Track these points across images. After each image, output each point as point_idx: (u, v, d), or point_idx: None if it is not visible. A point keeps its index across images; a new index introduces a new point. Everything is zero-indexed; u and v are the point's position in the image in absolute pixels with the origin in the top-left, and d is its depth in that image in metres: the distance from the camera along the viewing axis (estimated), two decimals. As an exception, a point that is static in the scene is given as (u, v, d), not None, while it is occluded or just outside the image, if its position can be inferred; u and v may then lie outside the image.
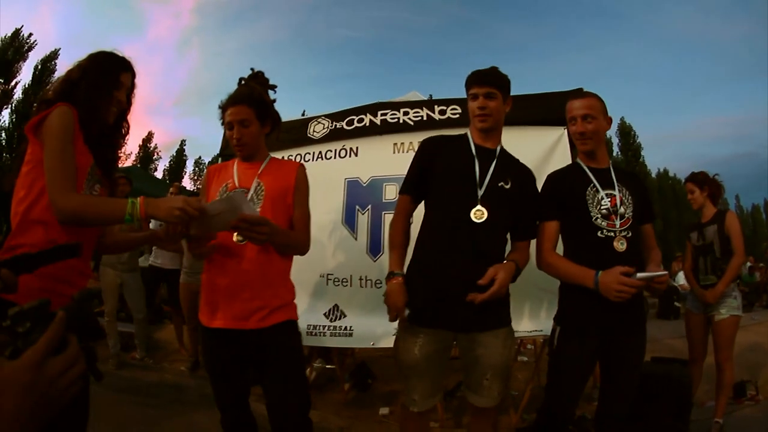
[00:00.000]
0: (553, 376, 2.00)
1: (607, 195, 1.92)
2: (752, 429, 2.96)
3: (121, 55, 1.66)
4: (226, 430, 1.94)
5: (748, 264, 11.72)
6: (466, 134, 1.99)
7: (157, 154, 36.64)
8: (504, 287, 1.77)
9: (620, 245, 1.86)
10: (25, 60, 27.10)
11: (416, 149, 2.01)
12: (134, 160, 33.23)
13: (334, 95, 74.53)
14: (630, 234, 1.89)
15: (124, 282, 4.36)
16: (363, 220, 3.18)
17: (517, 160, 2.02)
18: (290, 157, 3.49)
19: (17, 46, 26.80)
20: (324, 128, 3.44)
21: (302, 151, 3.48)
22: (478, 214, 1.81)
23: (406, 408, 1.93)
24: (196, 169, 38.35)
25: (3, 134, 25.72)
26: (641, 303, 2.02)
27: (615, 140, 34.78)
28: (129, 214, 1.41)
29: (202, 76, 73.15)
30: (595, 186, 1.94)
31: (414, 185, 1.97)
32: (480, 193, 1.83)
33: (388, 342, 2.99)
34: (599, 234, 1.88)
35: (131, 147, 35.84)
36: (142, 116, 63.70)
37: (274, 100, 2.00)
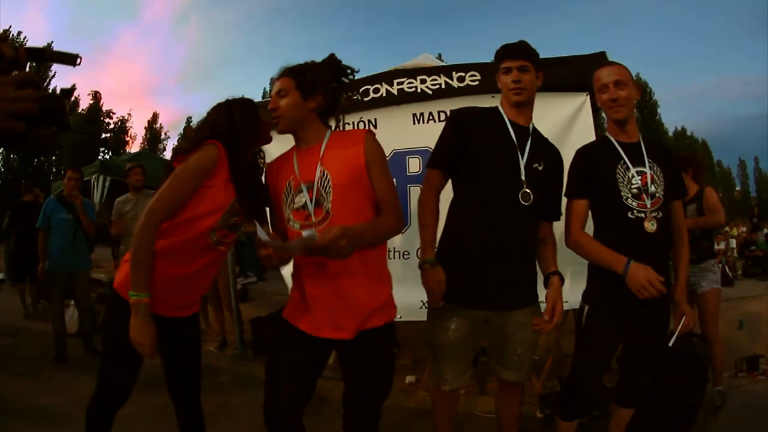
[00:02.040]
0: (580, 354, 2.01)
1: (638, 173, 1.87)
2: (764, 403, 2.96)
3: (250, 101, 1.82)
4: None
5: (765, 230, 11.46)
6: (497, 108, 1.93)
7: (165, 134, 36.93)
8: (562, 312, 1.87)
9: (651, 226, 1.83)
10: None
11: (443, 120, 1.95)
12: (141, 143, 33.44)
13: (341, 58, 72.42)
14: (660, 214, 1.86)
15: None
16: (388, 193, 3.16)
17: (545, 138, 1.98)
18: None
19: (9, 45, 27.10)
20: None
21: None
22: (525, 196, 1.80)
23: (437, 386, 1.97)
24: None
25: None
26: (668, 285, 1.97)
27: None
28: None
29: (203, 51, 72.70)
30: (625, 163, 1.89)
31: (447, 160, 1.90)
32: (523, 175, 1.82)
33: (415, 315, 3.04)
34: (630, 215, 1.85)
35: (137, 129, 36.16)
36: (146, 98, 63.97)
37: (348, 81, 1.78)
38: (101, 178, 6.95)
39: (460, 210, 1.91)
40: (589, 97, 2.89)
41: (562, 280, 1.89)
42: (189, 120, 38.89)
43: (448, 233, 1.92)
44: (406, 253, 3.15)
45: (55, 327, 4.09)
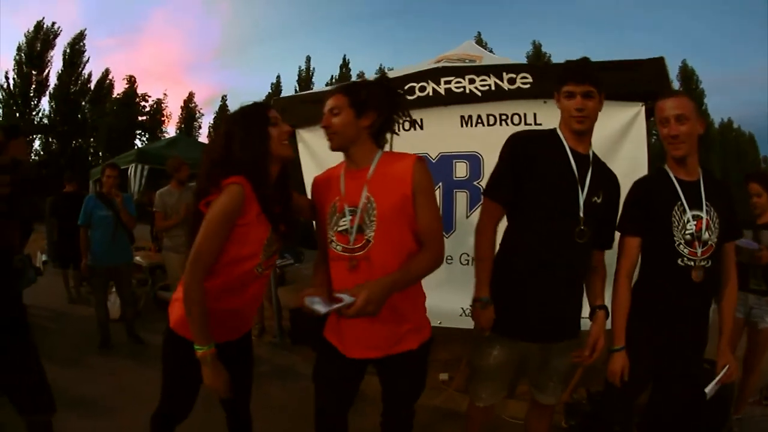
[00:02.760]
0: (608, 388, 1.98)
1: (693, 217, 1.80)
2: None
3: (259, 106, 1.71)
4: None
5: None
6: (556, 132, 1.85)
7: (199, 112, 37.22)
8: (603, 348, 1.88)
9: (698, 275, 1.79)
10: (53, 48, 28.49)
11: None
12: (177, 122, 34.10)
13: (375, 34, 70.50)
14: (710, 263, 1.81)
15: None
16: (434, 197, 3.13)
17: (604, 164, 1.90)
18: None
19: (43, 37, 28.02)
20: (384, 97, 3.31)
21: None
22: (581, 234, 1.76)
23: (472, 401, 2.05)
24: None
25: (46, 121, 27.27)
26: (706, 327, 1.94)
27: (676, 84, 32.50)
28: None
29: (236, 27, 72.49)
30: (682, 205, 1.82)
31: (506, 193, 1.83)
32: (581, 211, 1.76)
33: (455, 322, 3.09)
34: (679, 261, 1.80)
35: (173, 108, 36.84)
36: (181, 76, 64.99)
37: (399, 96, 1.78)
38: (139, 167, 7.08)
39: (513, 241, 1.87)
40: (644, 108, 2.74)
41: (607, 314, 1.89)
42: (224, 98, 39.66)
43: (499, 262, 1.87)
44: (449, 258, 3.09)
45: (99, 317, 4.26)
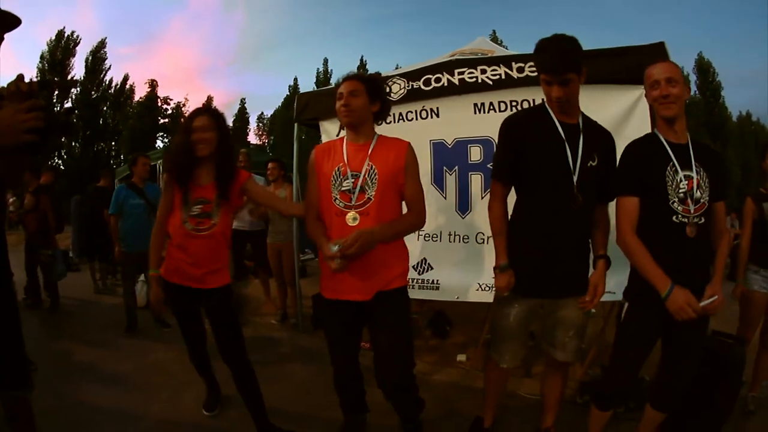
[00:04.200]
0: (618, 349, 2.06)
1: (685, 177, 1.88)
2: None
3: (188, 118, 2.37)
4: (340, 385, 2.29)
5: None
6: (544, 106, 2.02)
7: (220, 116, 37.75)
8: (603, 293, 2.02)
9: (691, 231, 1.86)
10: (74, 56, 29.06)
11: (504, 110, 2.08)
12: (198, 125, 34.49)
13: (391, 36, 71.27)
14: (702, 220, 1.88)
15: None
16: (451, 180, 3.33)
17: (596, 123, 2.06)
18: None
19: (63, 45, 28.61)
20: (400, 88, 3.49)
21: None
22: (576, 201, 1.95)
23: (494, 362, 2.26)
24: (260, 123, 39.68)
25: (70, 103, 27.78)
26: (705, 283, 1.96)
27: (693, 77, 31.88)
28: None
29: (252, 33, 73.49)
30: (674, 166, 1.89)
31: (506, 174, 2.08)
32: (575, 179, 1.94)
33: (472, 296, 3.23)
34: (674, 219, 1.87)
35: (193, 112, 37.21)
36: (199, 81, 65.58)
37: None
38: (167, 163, 7.35)
39: (517, 215, 2.10)
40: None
41: (608, 264, 2.04)
42: (243, 101, 40.38)
43: (510, 235, 2.09)
44: (465, 237, 3.30)
45: (126, 302, 4.41)
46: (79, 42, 29.24)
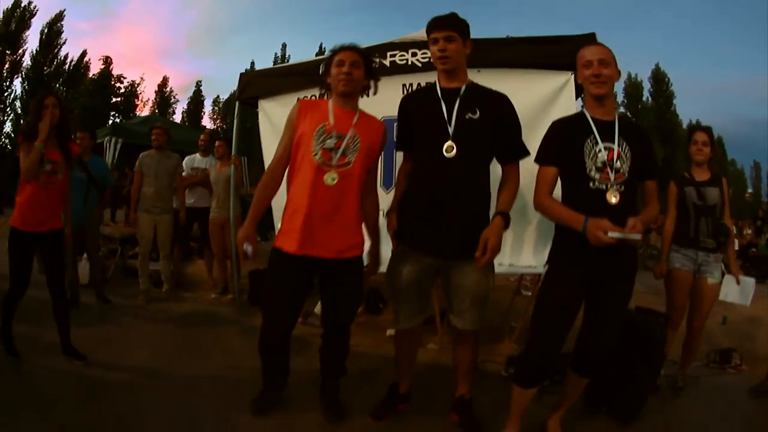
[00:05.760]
0: (538, 309, 2.08)
1: (605, 148, 1.94)
2: (730, 395, 2.97)
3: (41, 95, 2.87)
4: (272, 346, 2.34)
5: (768, 234, 11.38)
6: (435, 82, 2.19)
7: (174, 97, 36.45)
8: (497, 250, 1.98)
9: (613, 198, 1.90)
10: (28, 28, 27.47)
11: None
12: (151, 107, 33.38)
13: (350, 26, 72.41)
14: (624, 189, 1.92)
15: (158, 223, 4.56)
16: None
17: (489, 90, 2.15)
18: (313, 96, 3.65)
19: (18, 16, 27.07)
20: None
21: (318, 92, 3.57)
22: (448, 148, 2.04)
23: (395, 325, 2.30)
24: (215, 107, 38.00)
25: (18, 103, 26.50)
26: (634, 252, 2.08)
27: (647, 85, 33.42)
28: None
29: (214, 17, 71.73)
30: (595, 137, 1.96)
31: (404, 143, 2.30)
32: (450, 130, 2.05)
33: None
34: (591, 185, 1.93)
35: (149, 93, 36.02)
36: (156, 62, 63.71)
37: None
38: (113, 140, 7.20)
39: (411, 170, 2.26)
40: (573, 76, 2.96)
41: (506, 223, 2.00)
42: (199, 84, 38.95)
43: (406, 189, 2.24)
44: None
45: (69, 276, 4.16)
46: (36, 13, 27.67)
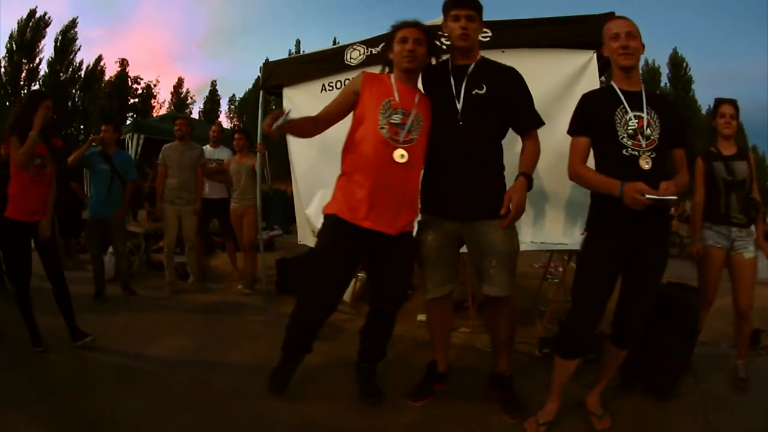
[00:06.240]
0: (578, 277, 2.11)
1: (635, 116, 1.99)
2: (761, 375, 2.86)
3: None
4: (309, 320, 2.31)
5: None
6: (447, 60, 2.25)
7: (191, 98, 37.15)
8: (522, 209, 2.04)
9: (645, 164, 1.94)
10: (44, 38, 28.31)
11: None
12: (168, 107, 33.85)
13: (366, 20, 70.98)
14: (655, 155, 1.96)
15: (183, 214, 4.57)
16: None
17: (499, 64, 2.22)
18: (330, 84, 3.66)
19: (34, 26, 27.77)
20: (360, 54, 3.54)
21: (341, 77, 3.63)
22: (456, 120, 2.12)
23: (425, 297, 2.33)
24: (231, 107, 38.76)
25: None
26: (668, 217, 2.09)
27: (665, 70, 32.91)
28: None
29: (225, 16, 72.21)
30: (624, 107, 2.01)
31: None
32: (459, 105, 2.12)
33: None
34: (624, 152, 1.97)
35: (164, 95, 36.49)
36: (170, 64, 64.30)
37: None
38: (135, 136, 7.29)
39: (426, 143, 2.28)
40: (595, 55, 2.95)
41: (529, 184, 2.09)
42: (214, 83, 39.60)
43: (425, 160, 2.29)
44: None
45: (95, 267, 4.31)
46: (50, 23, 28.42)
